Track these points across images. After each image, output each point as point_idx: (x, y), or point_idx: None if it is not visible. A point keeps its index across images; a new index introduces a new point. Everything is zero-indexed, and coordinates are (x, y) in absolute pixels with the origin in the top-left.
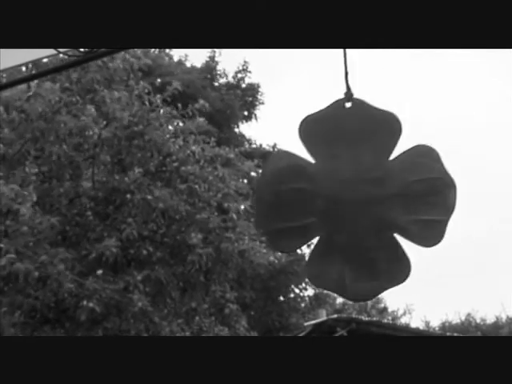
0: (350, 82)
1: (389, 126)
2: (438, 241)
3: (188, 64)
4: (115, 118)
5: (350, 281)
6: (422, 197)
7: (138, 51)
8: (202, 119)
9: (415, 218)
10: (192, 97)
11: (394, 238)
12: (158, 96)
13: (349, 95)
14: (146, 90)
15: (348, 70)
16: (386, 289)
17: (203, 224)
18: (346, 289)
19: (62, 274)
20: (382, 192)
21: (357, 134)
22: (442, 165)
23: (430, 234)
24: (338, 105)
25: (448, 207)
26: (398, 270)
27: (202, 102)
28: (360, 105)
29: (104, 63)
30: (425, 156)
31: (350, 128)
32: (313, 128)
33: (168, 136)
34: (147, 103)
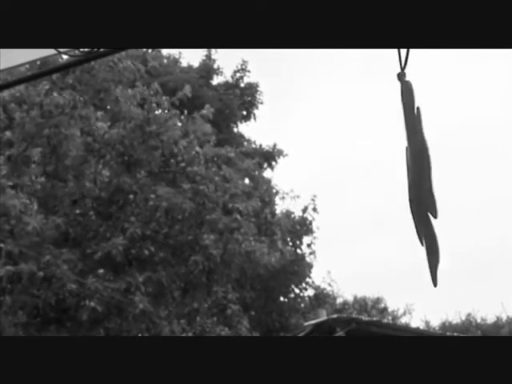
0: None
1: (410, 91)
2: (437, 208)
3: (184, 62)
4: (125, 117)
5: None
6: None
7: (140, 52)
8: (208, 125)
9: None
10: (190, 96)
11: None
12: (165, 98)
13: (401, 75)
14: (152, 92)
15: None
16: (436, 267)
17: (214, 225)
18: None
19: (65, 274)
20: (418, 165)
21: (408, 110)
22: (421, 125)
23: (433, 202)
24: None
25: (427, 170)
26: (437, 245)
27: (207, 106)
28: (403, 81)
29: (115, 64)
30: (418, 117)
31: (404, 107)
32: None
33: (177, 137)
34: (155, 105)
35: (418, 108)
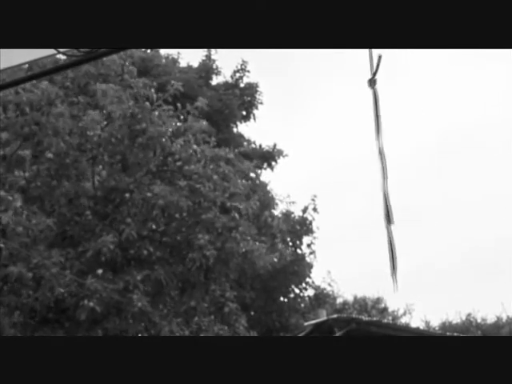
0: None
1: (376, 99)
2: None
3: (183, 62)
4: (110, 113)
5: None
6: None
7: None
8: (204, 122)
9: None
10: (189, 96)
11: None
12: (159, 95)
13: (371, 82)
14: (141, 84)
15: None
16: (394, 272)
17: (209, 224)
18: None
19: (55, 276)
20: None
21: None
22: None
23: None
24: None
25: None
26: (394, 251)
27: (201, 99)
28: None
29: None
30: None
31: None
32: None
33: (169, 135)
34: (147, 102)
35: (379, 116)
